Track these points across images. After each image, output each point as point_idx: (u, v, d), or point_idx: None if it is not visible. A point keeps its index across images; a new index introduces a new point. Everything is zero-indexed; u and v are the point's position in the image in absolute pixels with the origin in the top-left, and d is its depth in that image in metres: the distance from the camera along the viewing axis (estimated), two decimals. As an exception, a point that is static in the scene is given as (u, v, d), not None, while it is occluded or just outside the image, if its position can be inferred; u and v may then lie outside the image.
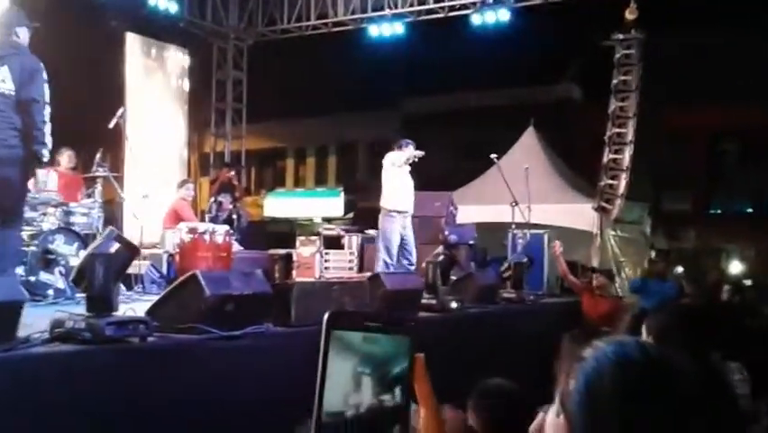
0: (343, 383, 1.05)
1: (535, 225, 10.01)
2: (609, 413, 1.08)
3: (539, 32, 17.48)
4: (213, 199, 10.31)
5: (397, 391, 1.07)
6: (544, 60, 19.93)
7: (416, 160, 8.52)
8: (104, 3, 12.51)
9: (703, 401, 1.11)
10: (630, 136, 12.51)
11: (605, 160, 12.50)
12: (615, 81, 12.73)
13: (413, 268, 8.09)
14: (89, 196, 7.55)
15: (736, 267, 19.79)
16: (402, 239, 8.37)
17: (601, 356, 1.13)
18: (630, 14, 12.76)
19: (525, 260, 8.04)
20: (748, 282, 11.46)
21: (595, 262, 11.63)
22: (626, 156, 12.44)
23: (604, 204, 12.34)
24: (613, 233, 12.45)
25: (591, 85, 17.47)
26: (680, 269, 9.25)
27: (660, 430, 1.07)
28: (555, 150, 15.06)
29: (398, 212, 8.37)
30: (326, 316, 1.07)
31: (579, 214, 12.37)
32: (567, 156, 15.51)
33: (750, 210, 22.32)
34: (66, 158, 8.27)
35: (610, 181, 12.39)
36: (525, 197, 9.43)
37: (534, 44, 18.87)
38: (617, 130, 12.58)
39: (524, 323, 7.10)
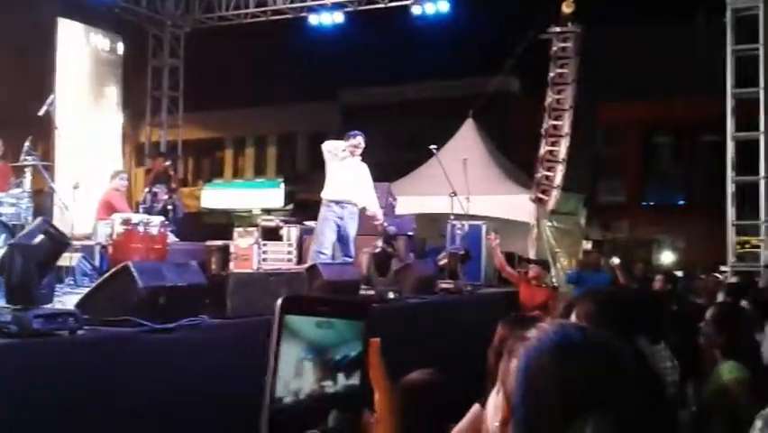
0: (287, 369, 1.04)
1: (474, 217, 10.10)
2: (549, 391, 1.12)
3: (478, 24, 17.65)
4: (147, 190, 10.08)
5: (342, 376, 1.07)
6: (483, 53, 20.09)
7: (355, 150, 8.11)
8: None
9: (634, 381, 1.15)
10: (566, 129, 12.72)
11: (541, 152, 12.69)
12: (551, 74, 12.92)
13: (350, 261, 7.65)
14: (18, 185, 7.32)
15: (667, 257, 20.37)
16: (339, 231, 7.90)
17: (543, 337, 1.17)
18: (567, 8, 12.97)
19: (462, 251, 8.11)
20: (680, 273, 11.80)
21: (532, 253, 11.82)
22: (563, 148, 12.65)
23: (540, 195, 12.53)
24: (549, 224, 12.66)
25: (529, 77, 17.71)
26: (616, 260, 9.45)
27: (598, 408, 1.10)
28: (494, 141, 15.23)
29: (335, 202, 7.95)
30: (280, 301, 1.06)
31: (516, 205, 12.53)
32: (505, 148, 15.71)
33: (682, 202, 22.98)
34: None
35: (547, 173, 12.58)
36: (464, 188, 9.50)
37: (473, 36, 19.05)
38: (554, 122, 12.78)
39: (461, 313, 7.16)
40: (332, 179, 8.10)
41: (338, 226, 7.82)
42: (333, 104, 24.65)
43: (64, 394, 3.29)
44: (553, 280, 11.06)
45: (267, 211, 14.83)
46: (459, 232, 9.49)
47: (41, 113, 7.51)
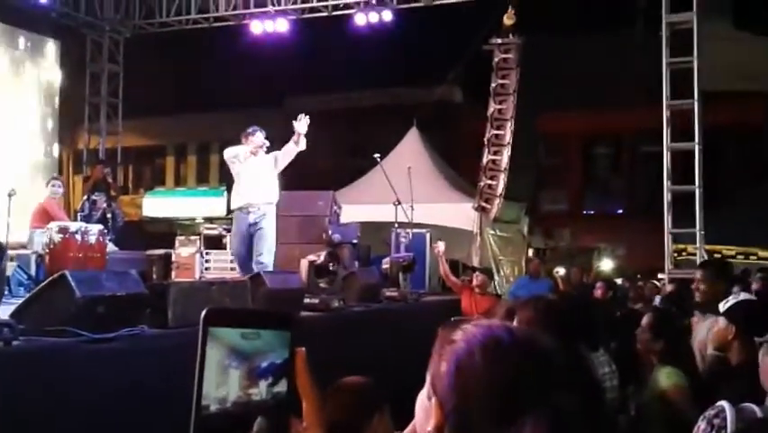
0: (213, 378, 1.06)
1: (418, 225, 10.16)
2: (479, 392, 1.12)
3: (422, 33, 17.80)
4: (86, 198, 9.89)
5: (267, 384, 1.08)
6: (427, 62, 20.27)
7: (258, 150, 7.56)
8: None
9: (570, 382, 1.16)
10: (508, 138, 12.90)
11: (484, 161, 12.85)
12: (494, 84, 13.11)
13: (266, 262, 7.16)
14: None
15: (607, 265, 20.78)
16: (251, 237, 7.36)
17: (471, 337, 1.17)
18: (508, 20, 13.18)
19: (407, 259, 8.14)
20: (619, 280, 12.04)
21: (475, 261, 11.94)
22: (505, 157, 12.83)
23: (483, 204, 12.67)
24: (492, 232, 12.81)
25: (472, 87, 17.92)
26: (561, 270, 9.64)
27: (529, 406, 1.11)
28: (438, 150, 15.35)
29: (239, 209, 7.52)
30: (204, 313, 1.08)
31: (460, 213, 12.65)
32: (449, 156, 15.85)
33: (621, 211, 23.49)
34: None
35: (489, 181, 12.74)
36: (408, 196, 9.55)
37: (417, 46, 19.20)
38: (496, 132, 12.95)
39: (406, 321, 7.17)
40: (236, 186, 7.71)
41: (250, 234, 7.35)
42: (277, 110, 24.51)
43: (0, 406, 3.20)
44: (497, 287, 11.18)
45: (209, 220, 14.63)
46: (403, 240, 9.53)
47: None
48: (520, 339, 1.18)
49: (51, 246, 6.91)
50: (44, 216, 8.74)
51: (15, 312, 3.83)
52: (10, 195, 7.75)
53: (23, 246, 7.90)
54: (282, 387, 1.09)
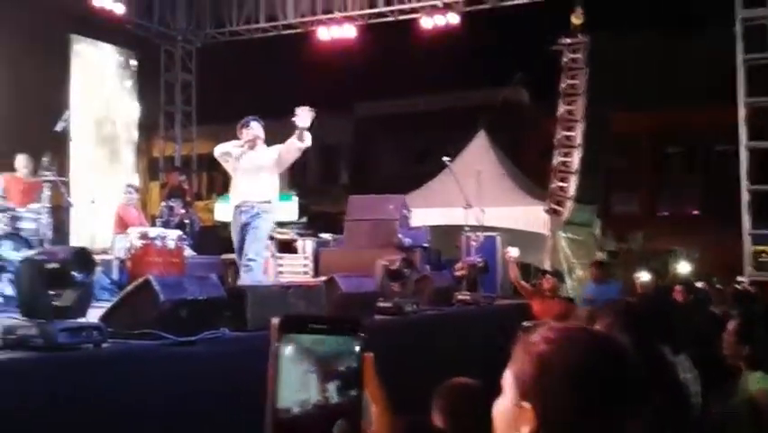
0: (293, 383, 1.09)
1: (488, 228, 10.10)
2: (560, 394, 1.13)
3: (488, 36, 17.69)
4: (164, 204, 10.17)
5: (342, 388, 1.11)
6: (493, 64, 20.14)
7: (254, 143, 6.98)
8: (49, 6, 12.24)
9: (649, 384, 1.17)
10: (579, 139, 12.72)
11: (554, 162, 12.69)
12: (562, 85, 12.94)
13: (253, 266, 6.69)
14: (37, 201, 7.40)
15: (683, 267, 20.26)
16: (243, 235, 6.82)
17: (553, 340, 1.18)
18: (576, 19, 13.00)
19: (479, 262, 8.10)
20: (699, 283, 11.74)
21: (547, 264, 11.79)
22: (575, 159, 12.65)
23: (555, 206, 12.52)
24: (564, 235, 12.64)
25: (539, 88, 17.73)
26: (645, 275, 9.47)
27: (609, 408, 1.12)
28: (506, 153, 15.23)
29: (235, 208, 6.96)
30: (277, 320, 1.11)
31: (530, 216, 12.52)
32: (517, 159, 15.71)
33: (696, 212, 22.87)
34: (21, 163, 8.10)
35: (560, 184, 12.58)
36: (478, 199, 9.52)
37: (483, 48, 19.09)
38: (566, 133, 12.78)
39: (479, 324, 7.15)
40: (232, 182, 7.14)
41: (242, 234, 6.80)
42: (345, 117, 24.72)
43: (89, 407, 3.31)
44: (569, 291, 11.03)
45: (280, 224, 14.83)
46: (474, 243, 9.49)
47: (57, 129, 7.59)
48: (601, 340, 1.22)
49: (133, 252, 7.14)
50: (121, 222, 9.06)
51: (104, 316, 3.97)
52: (92, 202, 8.03)
53: (106, 251, 8.17)
54: (354, 391, 1.13)
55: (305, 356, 1.11)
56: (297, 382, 1.10)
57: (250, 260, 6.67)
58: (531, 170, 15.09)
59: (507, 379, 1.23)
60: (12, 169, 8.27)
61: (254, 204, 6.86)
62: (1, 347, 3.30)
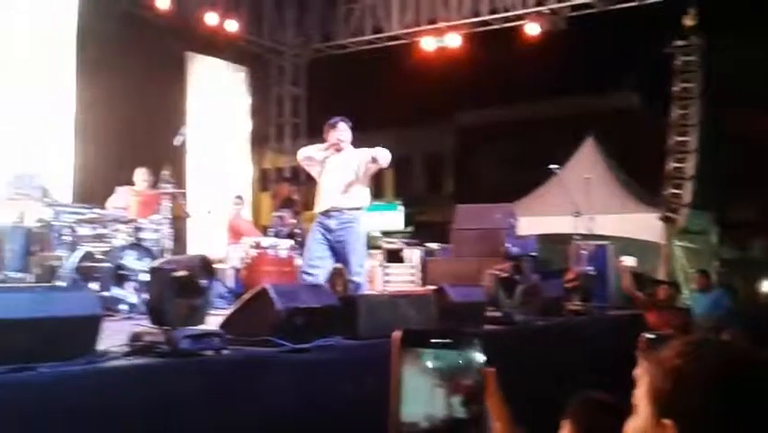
0: (418, 397, 1.09)
1: (599, 237, 9.87)
2: (703, 408, 1.10)
3: (595, 40, 17.31)
4: (275, 214, 10.45)
5: (466, 402, 1.10)
6: (601, 69, 19.71)
7: (340, 145, 6.54)
8: (166, 25, 12.84)
9: None
10: (693, 144, 12.29)
11: (668, 168, 12.29)
12: (675, 88, 12.53)
13: (359, 280, 6.39)
14: (156, 212, 7.75)
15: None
16: (330, 245, 6.41)
17: (686, 353, 1.15)
18: (689, 21, 12.56)
19: (591, 271, 7.92)
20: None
21: (662, 274, 11.43)
22: (690, 164, 12.22)
23: (669, 213, 12.12)
24: (679, 243, 12.22)
25: (650, 92, 17.22)
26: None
27: (752, 419, 1.09)
28: (616, 159, 14.86)
29: (321, 213, 6.52)
30: (397, 334, 1.12)
31: (643, 224, 12.17)
32: (628, 165, 15.28)
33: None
34: (140, 176, 8.52)
35: (675, 190, 12.17)
36: (588, 207, 9.32)
37: (591, 53, 18.70)
38: (679, 138, 12.37)
39: (591, 335, 6.99)
40: (318, 189, 6.68)
41: (327, 240, 6.39)
42: (448, 125, 24.73)
43: (209, 411, 3.43)
44: (686, 301, 10.63)
45: (386, 234, 14.96)
46: (584, 252, 9.28)
47: (176, 143, 7.93)
48: (738, 351, 1.19)
49: (247, 261, 7.36)
50: (234, 232, 9.39)
51: (223, 323, 4.12)
52: (208, 213, 8.34)
53: (221, 261, 8.46)
54: (478, 406, 1.12)
55: (428, 370, 1.11)
56: (422, 396, 1.10)
57: (356, 273, 6.36)
58: (643, 177, 14.65)
59: (641, 396, 1.21)
60: (131, 182, 8.72)
61: (344, 210, 6.44)
62: (129, 353, 3.46)
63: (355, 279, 6.36)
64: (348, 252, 6.38)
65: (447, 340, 1.14)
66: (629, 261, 8.08)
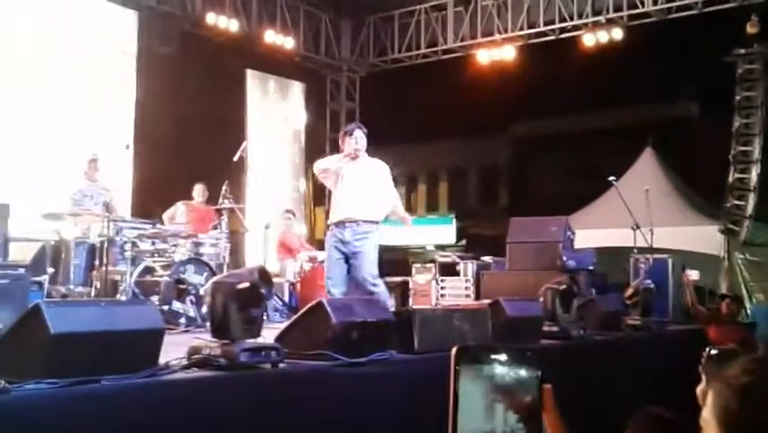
0: (475, 412, 1.09)
1: (658, 250, 9.68)
2: None
3: (653, 49, 17.05)
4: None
5: (524, 418, 1.10)
6: (659, 78, 19.38)
7: (356, 153, 6.30)
8: (224, 43, 13.13)
9: None
10: (757, 154, 11.99)
11: (730, 179, 12.01)
12: (738, 98, 12.24)
13: (378, 290, 6.20)
14: (215, 227, 7.90)
15: None
16: (347, 258, 6.21)
17: (754, 371, 1.13)
18: (752, 28, 12.27)
19: (650, 285, 7.77)
20: None
21: (723, 288, 11.16)
22: (753, 175, 11.92)
23: (731, 226, 11.84)
24: (742, 256, 11.90)
25: (710, 102, 16.87)
26: None
27: None
28: (675, 170, 14.59)
29: (334, 225, 6.28)
30: (454, 351, 1.13)
31: (704, 237, 11.91)
32: (688, 176, 14.99)
33: None
34: (198, 192, 8.73)
35: (737, 202, 11.88)
36: (646, 220, 9.16)
37: (649, 62, 18.42)
38: (742, 148, 12.08)
39: (651, 351, 6.86)
40: (333, 198, 6.51)
41: (343, 254, 6.19)
42: (502, 137, 24.60)
43: (265, 424, 3.47)
44: (749, 315, 10.35)
45: (440, 247, 14.93)
46: (642, 266, 9.12)
47: (235, 158, 8.07)
48: None
49: (302, 274, 7.43)
50: (283, 248, 9.51)
51: (279, 337, 4.16)
52: (266, 228, 8.45)
53: (276, 275, 8.56)
54: (534, 422, 1.11)
55: (486, 386, 1.11)
56: (480, 411, 1.11)
57: (374, 285, 6.17)
58: (703, 188, 14.34)
59: (708, 418, 1.19)
60: (190, 197, 8.93)
61: (359, 222, 6.20)
62: (188, 366, 3.53)
63: (374, 289, 6.15)
64: (362, 262, 6.17)
65: (503, 356, 1.14)
66: (693, 274, 7.90)
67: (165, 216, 8.38)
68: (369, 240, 6.21)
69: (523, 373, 1.14)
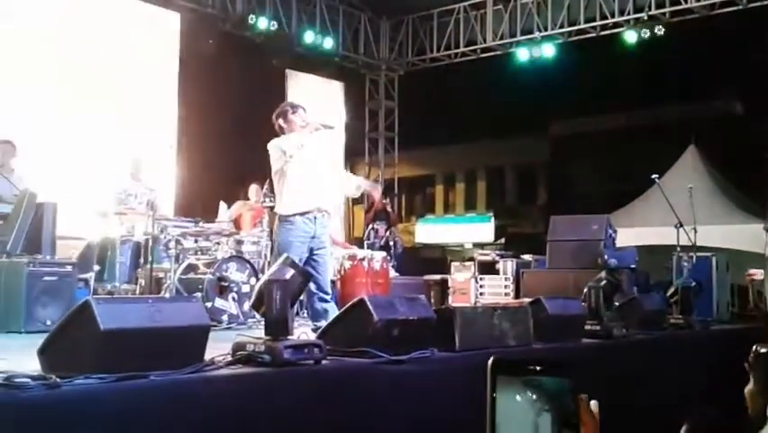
0: (511, 424, 1.10)
1: (701, 248, 9.54)
2: None
3: (695, 46, 16.79)
4: (369, 227, 10.58)
5: (563, 431, 1.10)
6: (701, 76, 19.09)
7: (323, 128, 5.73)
8: (265, 43, 13.25)
9: None
10: (800, 151, 11.72)
11: (773, 176, 11.76)
12: (782, 94, 12.00)
13: (327, 304, 5.45)
14: (255, 225, 8.00)
15: None
16: (311, 255, 5.48)
17: None
18: (796, 24, 12.03)
19: (693, 284, 7.67)
20: None
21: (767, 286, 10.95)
22: (797, 172, 11.66)
23: (775, 224, 11.60)
24: (786, 254, 11.66)
25: (753, 99, 16.59)
26: None
27: None
28: (718, 168, 14.36)
29: (300, 214, 5.51)
30: (490, 362, 1.13)
31: (748, 235, 11.69)
32: (731, 174, 14.75)
33: None
34: (253, 192, 8.88)
35: (781, 200, 11.64)
36: (689, 218, 9.04)
37: (691, 59, 18.15)
38: (787, 145, 11.82)
39: (695, 350, 6.77)
40: (289, 187, 5.63)
41: (311, 249, 5.47)
42: (541, 136, 24.44)
43: (307, 421, 3.51)
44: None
45: (479, 246, 14.88)
46: (686, 264, 9.00)
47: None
48: None
49: (342, 273, 7.48)
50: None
51: (322, 333, 4.20)
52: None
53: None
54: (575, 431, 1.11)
55: (526, 399, 1.11)
56: (515, 423, 1.11)
57: (328, 293, 5.54)
58: (747, 186, 14.10)
59: None
60: (232, 197, 9.08)
61: (324, 212, 5.62)
62: (232, 362, 3.58)
63: (329, 299, 5.51)
64: (326, 262, 5.60)
65: (540, 368, 1.14)
66: (759, 273, 7.76)
67: (225, 215, 8.53)
68: (327, 236, 5.69)
69: (559, 383, 1.14)
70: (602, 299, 5.82)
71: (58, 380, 2.69)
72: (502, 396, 1.12)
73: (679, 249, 9.12)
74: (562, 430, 1.12)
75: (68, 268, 6.09)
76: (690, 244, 9.05)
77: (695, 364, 6.41)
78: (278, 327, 3.61)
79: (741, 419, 2.41)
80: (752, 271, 8.14)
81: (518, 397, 1.12)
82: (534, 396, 1.12)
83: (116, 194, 8.17)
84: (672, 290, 7.37)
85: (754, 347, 2.45)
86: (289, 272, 3.70)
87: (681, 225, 8.91)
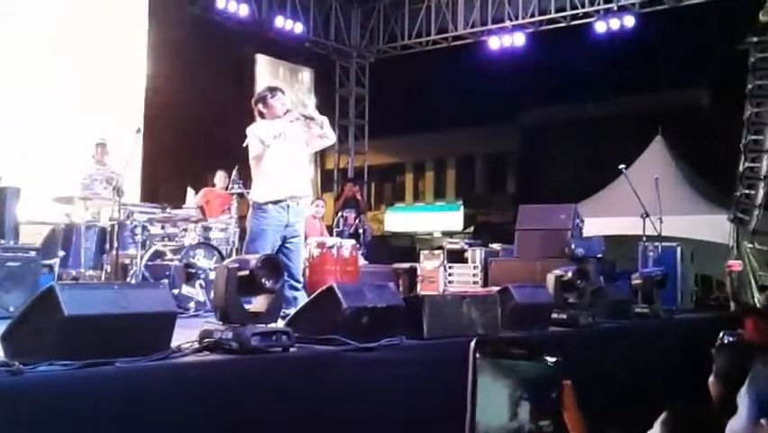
0: (494, 406, 1.08)
1: (666, 238, 9.67)
2: None
3: (665, 37, 16.95)
4: (339, 215, 10.56)
5: (544, 415, 1.09)
6: (670, 67, 19.28)
7: (303, 119, 5.63)
8: (234, 28, 13.11)
9: None
10: (767, 143, 11.91)
11: (740, 168, 11.93)
12: (750, 86, 12.14)
13: (297, 292, 5.35)
14: (223, 212, 7.93)
15: None
16: (284, 243, 5.44)
17: None
18: (764, 16, 12.16)
19: (658, 274, 7.76)
20: None
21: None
22: (764, 164, 11.84)
23: (740, 215, 11.78)
24: (750, 245, 11.85)
25: (721, 90, 16.78)
26: None
27: None
28: (685, 159, 14.53)
29: (273, 203, 5.43)
30: (473, 343, 1.11)
31: (713, 226, 11.87)
32: (698, 165, 14.93)
33: None
34: (220, 178, 8.81)
35: (747, 191, 11.81)
36: (656, 208, 9.14)
37: (660, 50, 18.32)
38: (753, 137, 11.98)
39: (659, 339, 6.86)
40: (264, 175, 5.53)
41: (283, 237, 5.43)
42: (511, 125, 24.53)
43: (275, 407, 3.49)
44: (757, 303, 10.33)
45: (448, 234, 14.94)
46: (651, 254, 9.11)
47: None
48: None
49: (311, 260, 7.45)
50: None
51: (290, 321, 4.18)
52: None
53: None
54: (555, 419, 1.10)
55: (509, 382, 1.09)
56: (503, 408, 1.08)
57: (299, 280, 5.51)
58: (713, 177, 14.30)
59: (743, 398, 1.20)
60: (198, 183, 9.01)
61: (299, 199, 5.57)
62: (200, 349, 3.55)
63: (299, 286, 5.45)
64: (299, 251, 5.59)
65: (523, 350, 1.12)
66: (737, 265, 7.86)
67: (192, 201, 8.45)
68: (301, 225, 5.62)
69: (543, 368, 1.12)
70: (568, 288, 5.88)
71: (21, 366, 2.65)
72: (483, 380, 1.10)
73: (645, 239, 9.22)
74: (540, 420, 1.11)
75: (32, 253, 6.00)
76: (656, 234, 9.15)
77: (661, 352, 6.50)
78: (223, 313, 3.60)
79: (707, 406, 2.45)
80: (731, 262, 8.26)
81: (499, 383, 1.10)
82: (515, 383, 1.10)
83: (81, 179, 8.04)
84: (637, 279, 7.45)
85: (721, 334, 2.49)
86: (246, 264, 3.66)
87: (648, 216, 9.01)
